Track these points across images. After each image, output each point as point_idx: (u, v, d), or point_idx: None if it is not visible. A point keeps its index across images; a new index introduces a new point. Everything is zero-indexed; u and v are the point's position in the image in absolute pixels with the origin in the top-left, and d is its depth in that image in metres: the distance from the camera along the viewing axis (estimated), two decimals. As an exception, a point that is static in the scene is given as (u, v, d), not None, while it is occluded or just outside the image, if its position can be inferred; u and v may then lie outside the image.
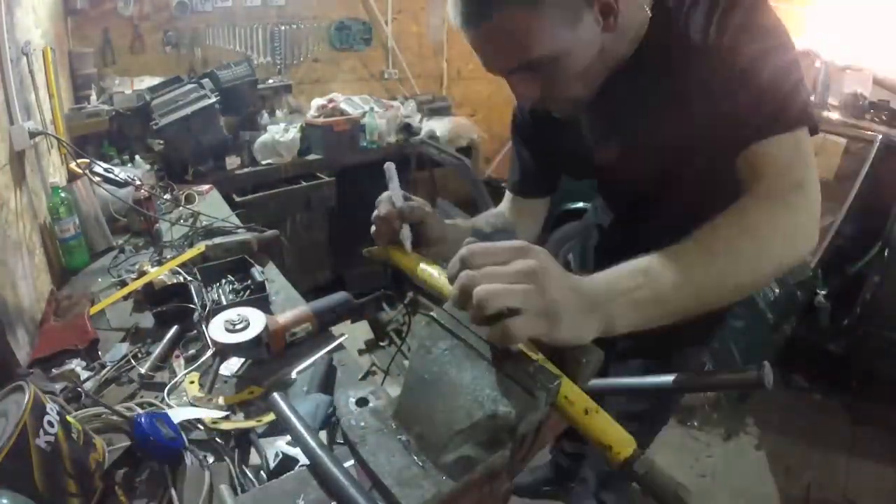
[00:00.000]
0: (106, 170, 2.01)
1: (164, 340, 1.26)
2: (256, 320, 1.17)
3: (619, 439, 0.55)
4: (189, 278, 1.51)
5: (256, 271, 1.52)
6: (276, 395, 0.88)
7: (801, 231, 0.71)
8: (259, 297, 1.43)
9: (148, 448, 0.90)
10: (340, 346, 1.27)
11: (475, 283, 0.56)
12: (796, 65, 0.78)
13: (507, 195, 1.27)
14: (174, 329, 1.29)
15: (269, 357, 1.19)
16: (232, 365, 1.20)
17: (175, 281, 1.48)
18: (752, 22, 0.78)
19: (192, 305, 1.37)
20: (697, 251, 0.68)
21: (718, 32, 0.79)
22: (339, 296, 1.35)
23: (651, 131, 0.92)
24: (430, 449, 0.61)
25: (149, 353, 1.23)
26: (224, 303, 1.41)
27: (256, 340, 1.15)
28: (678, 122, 0.86)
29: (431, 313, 0.67)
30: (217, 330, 1.15)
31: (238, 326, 1.15)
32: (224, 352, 1.19)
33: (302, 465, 0.85)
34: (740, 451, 2.55)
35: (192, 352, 1.25)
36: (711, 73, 0.79)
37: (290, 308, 1.32)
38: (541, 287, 0.56)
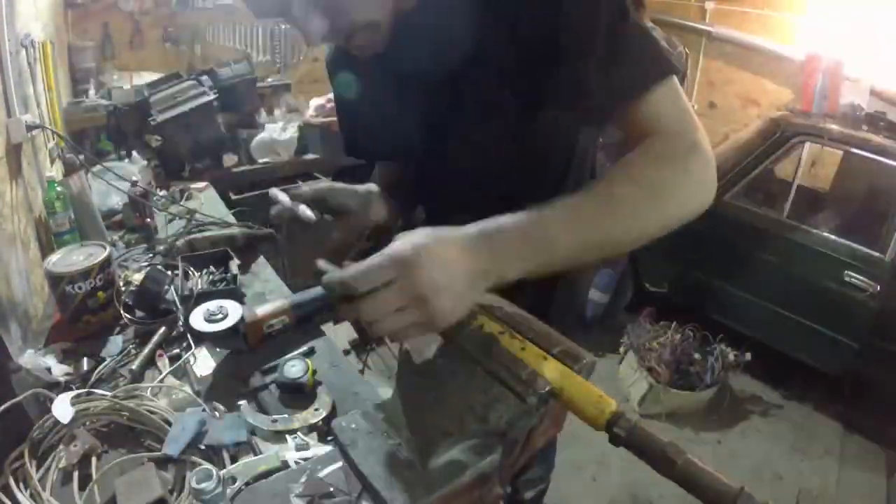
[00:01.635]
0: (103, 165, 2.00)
1: (152, 342, 1.26)
2: (234, 311, 1.20)
3: (594, 401, 0.55)
4: (174, 272, 1.51)
5: (234, 264, 1.53)
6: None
7: (699, 192, 0.71)
8: (231, 289, 1.44)
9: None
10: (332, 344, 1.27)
11: (362, 315, 0.60)
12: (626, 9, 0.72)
13: None
14: (162, 330, 1.29)
15: (246, 348, 1.21)
16: (210, 363, 1.21)
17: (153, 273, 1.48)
18: None
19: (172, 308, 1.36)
20: (594, 205, 0.68)
21: None
22: (317, 290, 1.35)
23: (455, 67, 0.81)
24: (420, 452, 0.61)
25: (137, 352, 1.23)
26: (197, 292, 1.41)
27: (233, 330, 1.18)
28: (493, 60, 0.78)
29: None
30: (197, 319, 1.19)
31: (217, 317, 1.19)
32: (203, 341, 1.23)
33: (291, 469, 0.85)
34: (731, 458, 2.55)
35: (175, 351, 1.25)
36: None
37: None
38: (423, 301, 0.58)
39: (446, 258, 0.60)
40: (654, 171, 0.69)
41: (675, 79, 0.73)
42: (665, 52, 0.73)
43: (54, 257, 1.30)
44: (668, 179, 0.69)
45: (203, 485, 0.75)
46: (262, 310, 1.25)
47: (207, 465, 0.79)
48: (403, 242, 0.60)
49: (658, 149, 0.71)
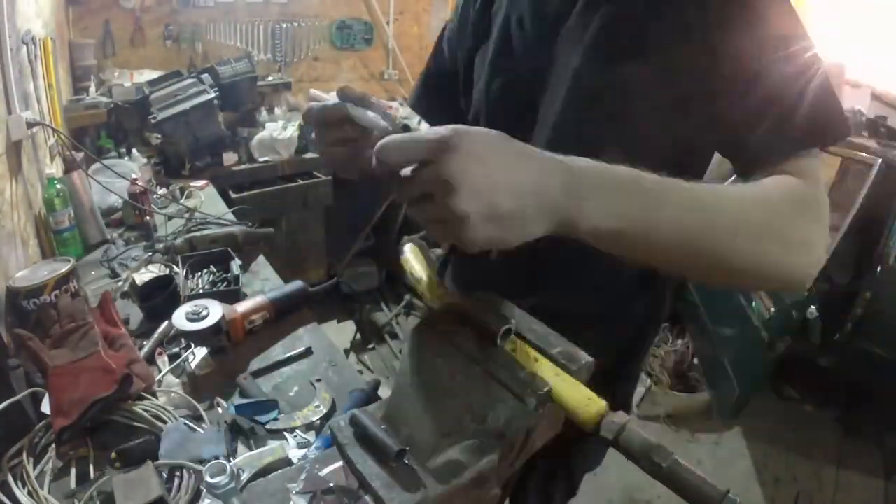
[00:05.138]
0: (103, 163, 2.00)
1: (153, 338, 1.27)
2: (215, 309, 1.21)
3: (584, 401, 0.55)
4: (176, 270, 1.51)
5: (235, 265, 1.53)
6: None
7: (805, 247, 0.62)
8: (231, 290, 1.45)
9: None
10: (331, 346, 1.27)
11: (395, 194, 0.50)
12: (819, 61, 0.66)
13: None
14: (162, 328, 1.29)
15: (229, 345, 1.24)
16: (209, 362, 1.21)
17: (159, 273, 1.49)
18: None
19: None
20: (719, 207, 0.59)
21: None
22: (295, 284, 1.41)
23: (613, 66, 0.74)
24: (418, 452, 0.61)
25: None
26: (200, 293, 1.42)
27: (216, 328, 1.19)
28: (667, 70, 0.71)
29: (425, 316, 0.67)
30: (180, 319, 1.19)
31: (200, 315, 1.20)
32: (187, 340, 1.24)
33: (292, 466, 0.85)
34: (730, 461, 2.56)
35: (175, 350, 1.25)
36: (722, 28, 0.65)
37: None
38: (447, 191, 0.46)
39: (499, 157, 0.48)
40: (778, 198, 0.62)
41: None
42: (844, 114, 0.68)
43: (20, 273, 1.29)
44: (802, 228, 0.61)
45: (217, 479, 0.75)
46: (242, 306, 1.29)
47: (220, 460, 0.79)
48: (458, 126, 0.48)
49: (799, 192, 0.63)
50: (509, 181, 0.47)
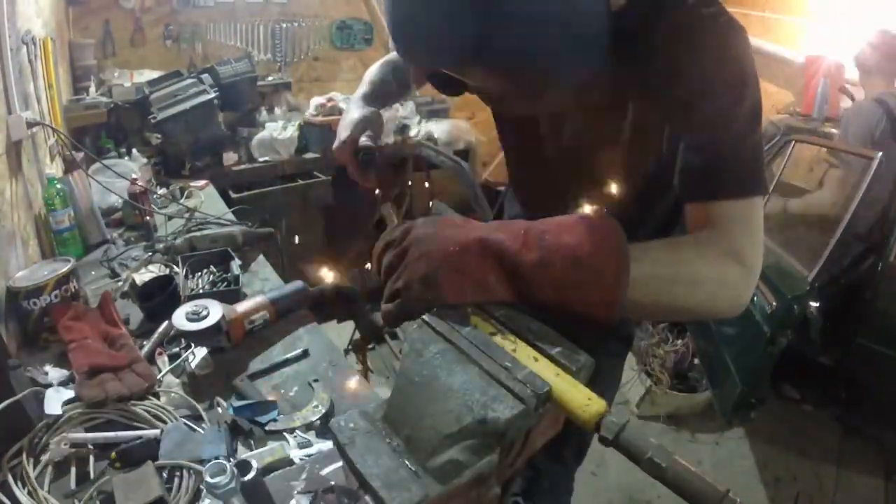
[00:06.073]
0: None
1: (153, 338, 1.27)
2: (215, 309, 1.21)
3: (584, 401, 0.55)
4: (176, 270, 1.51)
5: (235, 265, 1.53)
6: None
7: (727, 298, 0.72)
8: (231, 290, 1.45)
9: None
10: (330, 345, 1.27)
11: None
12: (758, 116, 0.74)
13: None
14: (162, 328, 1.29)
15: (229, 345, 1.23)
16: (209, 362, 1.21)
17: (159, 273, 1.49)
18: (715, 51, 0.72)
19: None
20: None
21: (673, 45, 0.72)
22: (295, 284, 1.40)
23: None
24: (418, 452, 0.61)
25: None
26: (200, 293, 1.42)
27: (216, 328, 1.19)
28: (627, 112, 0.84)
29: (423, 316, 0.67)
30: (180, 319, 1.19)
31: (200, 315, 1.20)
32: (187, 340, 1.24)
33: (293, 466, 0.85)
34: (729, 460, 2.55)
35: (175, 349, 1.25)
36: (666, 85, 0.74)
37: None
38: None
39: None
40: (695, 258, 0.71)
41: (760, 200, 0.74)
42: (764, 172, 0.76)
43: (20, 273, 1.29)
44: (704, 273, 0.70)
45: (217, 479, 0.75)
46: (242, 306, 1.28)
47: (220, 460, 0.79)
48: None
49: (706, 240, 0.72)
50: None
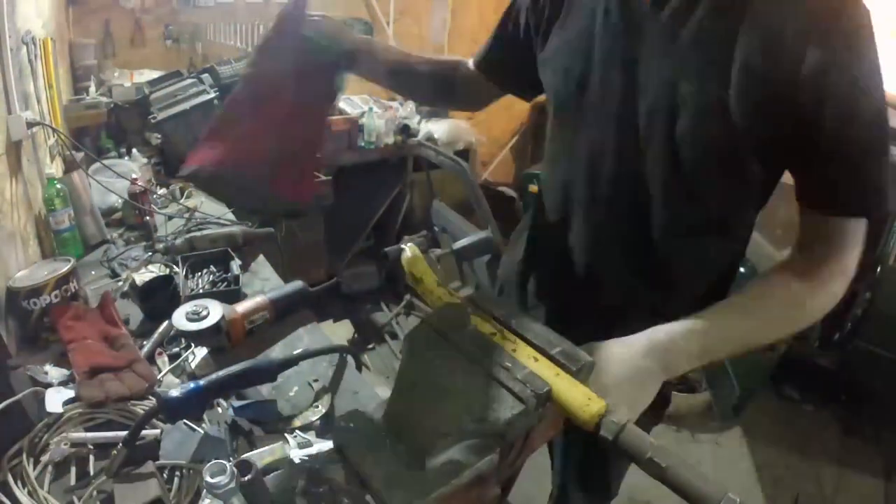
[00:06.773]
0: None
1: (153, 338, 1.27)
2: (215, 309, 1.21)
3: (584, 401, 0.55)
4: (176, 270, 1.51)
5: (235, 265, 1.53)
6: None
7: (825, 308, 0.80)
8: (231, 290, 1.44)
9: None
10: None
11: None
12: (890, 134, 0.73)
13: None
14: (162, 328, 1.29)
15: (229, 345, 1.23)
16: (209, 362, 1.21)
17: (159, 273, 1.49)
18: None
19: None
20: (747, 317, 0.79)
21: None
22: (295, 284, 1.41)
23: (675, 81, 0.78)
24: (418, 452, 0.61)
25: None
26: (200, 293, 1.42)
27: (216, 328, 1.19)
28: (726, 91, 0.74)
29: (425, 317, 0.67)
30: (180, 319, 1.19)
31: (200, 315, 1.20)
32: (187, 340, 1.24)
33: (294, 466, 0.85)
34: (729, 461, 2.55)
35: (175, 350, 1.25)
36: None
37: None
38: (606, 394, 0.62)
39: (622, 357, 0.69)
40: (800, 290, 0.79)
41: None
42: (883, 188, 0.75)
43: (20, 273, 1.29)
44: (818, 303, 0.79)
45: (217, 479, 0.75)
46: (242, 306, 1.28)
47: (220, 460, 0.79)
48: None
49: (816, 264, 0.78)
50: (632, 367, 0.69)
